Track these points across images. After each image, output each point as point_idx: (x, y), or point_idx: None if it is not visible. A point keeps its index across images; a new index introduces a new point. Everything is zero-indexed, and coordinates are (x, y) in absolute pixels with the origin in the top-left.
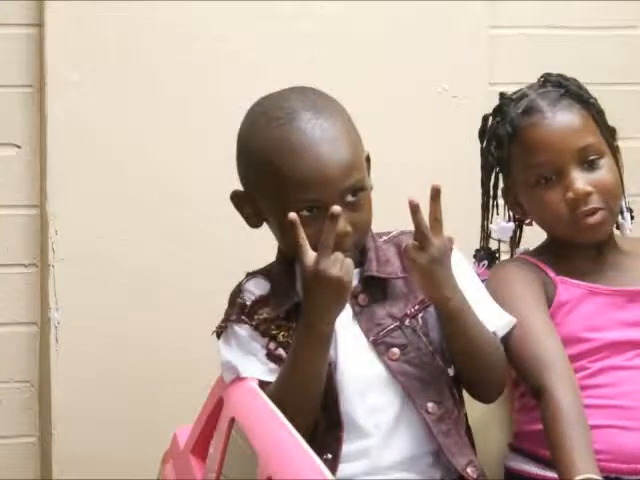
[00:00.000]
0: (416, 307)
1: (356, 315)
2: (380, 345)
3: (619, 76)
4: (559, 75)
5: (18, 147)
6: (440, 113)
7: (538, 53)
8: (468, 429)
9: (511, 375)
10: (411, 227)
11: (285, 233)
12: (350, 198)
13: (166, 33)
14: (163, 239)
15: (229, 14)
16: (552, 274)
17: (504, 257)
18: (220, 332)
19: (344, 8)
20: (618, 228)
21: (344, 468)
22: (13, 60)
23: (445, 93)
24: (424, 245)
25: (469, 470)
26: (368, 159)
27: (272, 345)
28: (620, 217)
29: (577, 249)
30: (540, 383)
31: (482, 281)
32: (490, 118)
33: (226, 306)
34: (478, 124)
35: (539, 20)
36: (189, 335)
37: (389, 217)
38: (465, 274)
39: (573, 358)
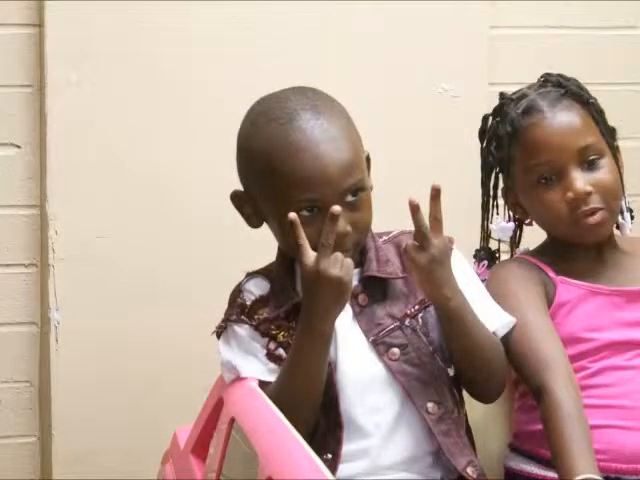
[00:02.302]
0: (416, 307)
1: (356, 315)
2: (380, 345)
3: (619, 76)
4: (559, 75)
5: (18, 147)
6: (440, 113)
7: (538, 53)
8: (468, 429)
9: (511, 375)
10: (411, 227)
11: (285, 233)
12: (350, 198)
13: (166, 33)
14: (163, 239)
15: (229, 14)
16: (552, 274)
17: (504, 257)
18: (220, 332)
19: (344, 8)
20: (618, 228)
21: (344, 468)
22: (13, 60)
23: (445, 93)
24: (424, 245)
25: (469, 470)
26: (368, 159)
27: (272, 345)
28: (620, 217)
29: (577, 249)
30: (540, 383)
31: (482, 281)
32: (490, 118)
33: (226, 306)
34: (478, 124)
35: (539, 20)
36: (189, 335)
37: (389, 217)
38: (465, 274)
39: (573, 358)
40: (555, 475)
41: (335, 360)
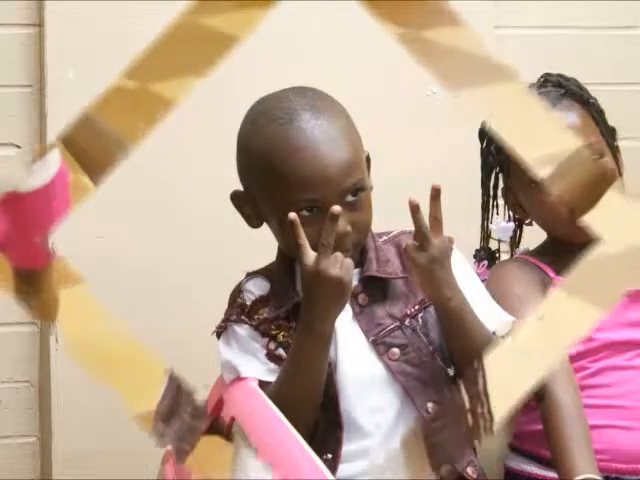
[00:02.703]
0: (416, 307)
1: (356, 315)
2: (380, 345)
3: (619, 76)
4: (559, 75)
5: (18, 147)
6: (440, 113)
7: (538, 53)
8: None
9: None
10: (411, 227)
11: (285, 233)
12: (350, 198)
13: None
14: (163, 239)
15: None
16: (552, 274)
17: (504, 257)
18: (220, 332)
19: (344, 8)
20: None
21: (344, 468)
22: (13, 60)
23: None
24: (424, 245)
25: (469, 470)
26: (368, 159)
27: (272, 345)
28: None
29: (577, 249)
30: (540, 383)
31: (482, 281)
32: None
33: (226, 306)
34: (478, 124)
35: (539, 20)
36: (189, 335)
37: (389, 217)
38: (465, 274)
39: (573, 358)
40: (555, 475)
41: (335, 360)
